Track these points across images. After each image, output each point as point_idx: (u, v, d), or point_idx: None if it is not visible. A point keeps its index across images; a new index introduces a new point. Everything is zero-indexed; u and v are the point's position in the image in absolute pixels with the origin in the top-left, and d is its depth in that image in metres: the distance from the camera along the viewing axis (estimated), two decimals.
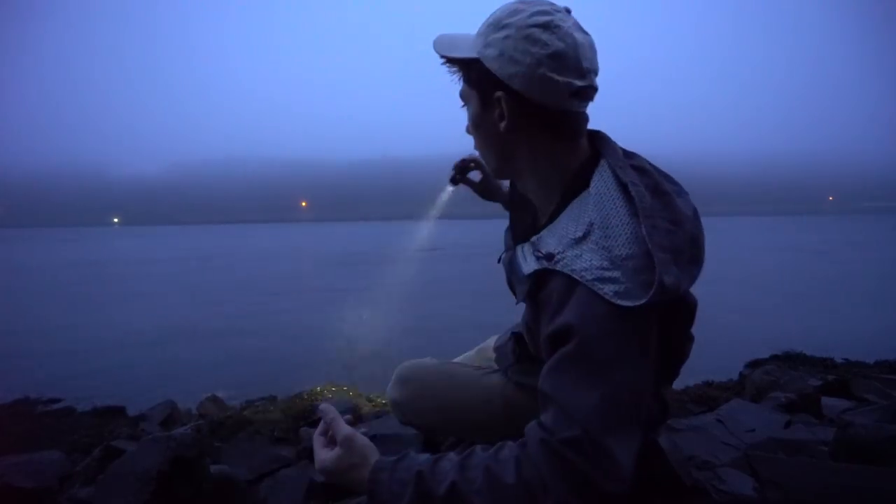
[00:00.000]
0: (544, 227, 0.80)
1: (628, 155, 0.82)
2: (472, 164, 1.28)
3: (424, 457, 0.73)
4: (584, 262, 0.67)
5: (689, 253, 0.72)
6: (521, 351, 1.02)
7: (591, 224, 0.70)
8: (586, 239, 0.69)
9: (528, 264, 0.78)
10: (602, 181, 0.74)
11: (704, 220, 0.77)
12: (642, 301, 0.64)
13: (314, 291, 17.79)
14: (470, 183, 1.31)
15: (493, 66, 0.77)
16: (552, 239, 0.75)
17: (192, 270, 25.82)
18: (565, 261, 0.70)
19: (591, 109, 0.81)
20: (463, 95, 0.87)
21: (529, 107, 0.77)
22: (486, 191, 1.30)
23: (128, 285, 20.05)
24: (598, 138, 0.84)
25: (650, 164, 0.82)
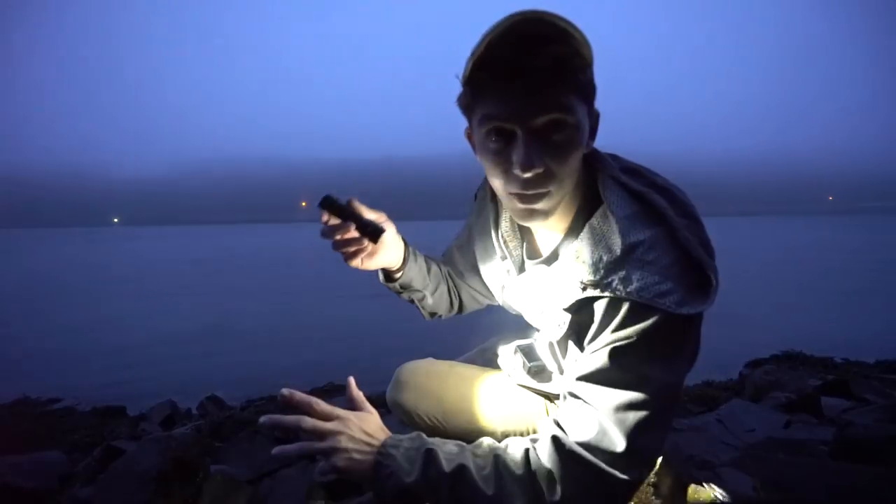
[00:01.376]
0: (560, 247, 0.78)
1: (614, 158, 0.80)
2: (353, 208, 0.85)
3: (434, 438, 0.73)
4: (636, 283, 0.65)
5: (710, 242, 0.72)
6: (529, 364, 1.00)
7: (626, 242, 0.67)
8: (627, 258, 0.67)
9: (564, 292, 0.74)
10: (614, 195, 0.72)
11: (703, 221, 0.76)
12: (706, 306, 0.63)
13: (315, 292, 17.79)
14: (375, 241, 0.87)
15: (593, 72, 0.68)
16: (583, 265, 0.72)
17: (191, 272, 25.81)
18: (613, 285, 0.66)
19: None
20: (567, 109, 0.65)
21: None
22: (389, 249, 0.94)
23: (127, 286, 20.04)
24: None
25: (636, 163, 0.80)
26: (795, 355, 4.98)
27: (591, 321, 0.69)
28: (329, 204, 0.83)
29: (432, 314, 1.13)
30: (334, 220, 0.84)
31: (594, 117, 0.72)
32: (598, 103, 0.73)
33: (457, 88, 0.74)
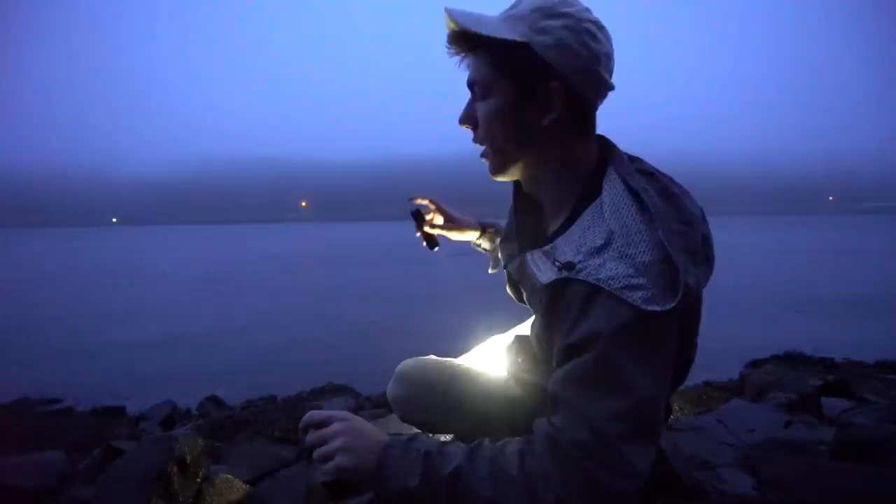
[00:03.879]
0: (557, 233, 0.79)
1: (632, 159, 0.82)
2: (431, 207, 1.29)
3: (434, 439, 0.74)
4: (608, 271, 0.66)
5: (703, 252, 0.73)
6: (524, 354, 1.01)
7: (611, 233, 0.69)
8: (607, 248, 0.68)
9: (544, 273, 0.76)
10: (613, 188, 0.74)
11: None
12: (671, 305, 0.64)
13: (314, 292, 17.79)
14: (441, 228, 1.30)
15: (547, 54, 0.73)
16: (568, 248, 0.74)
17: (190, 271, 25.82)
18: (588, 270, 0.68)
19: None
20: (485, 81, 0.79)
21: (578, 101, 0.77)
22: (456, 228, 1.31)
23: (125, 287, 20.04)
24: (604, 143, 0.83)
25: (654, 167, 0.82)
26: (795, 355, 4.97)
27: (565, 308, 0.71)
28: (415, 214, 1.27)
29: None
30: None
31: (546, 92, 0.75)
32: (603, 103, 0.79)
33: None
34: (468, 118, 0.84)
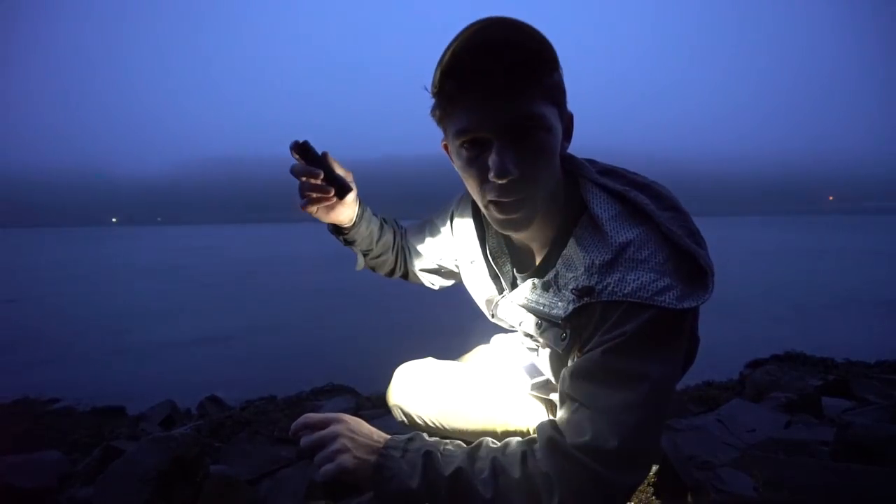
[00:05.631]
0: (547, 260, 0.77)
1: (591, 162, 0.80)
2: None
3: (434, 439, 0.73)
4: (632, 284, 0.64)
5: (697, 230, 0.72)
6: (532, 381, 1.00)
7: (616, 244, 0.67)
8: (618, 260, 0.67)
9: (558, 306, 0.73)
10: (596, 198, 0.72)
11: (701, 221, 0.77)
12: (706, 297, 0.64)
13: (314, 293, 17.79)
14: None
15: (561, 74, 0.68)
16: (576, 272, 0.71)
17: (190, 271, 25.81)
18: (610, 289, 0.66)
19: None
20: (547, 114, 0.66)
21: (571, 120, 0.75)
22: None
23: (125, 287, 20.03)
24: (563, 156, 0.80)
25: (612, 165, 0.81)
26: (796, 355, 4.97)
27: (590, 325, 0.69)
28: (303, 149, 0.83)
29: (371, 268, 1.16)
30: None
31: (567, 119, 0.72)
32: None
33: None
34: (516, 165, 0.66)
